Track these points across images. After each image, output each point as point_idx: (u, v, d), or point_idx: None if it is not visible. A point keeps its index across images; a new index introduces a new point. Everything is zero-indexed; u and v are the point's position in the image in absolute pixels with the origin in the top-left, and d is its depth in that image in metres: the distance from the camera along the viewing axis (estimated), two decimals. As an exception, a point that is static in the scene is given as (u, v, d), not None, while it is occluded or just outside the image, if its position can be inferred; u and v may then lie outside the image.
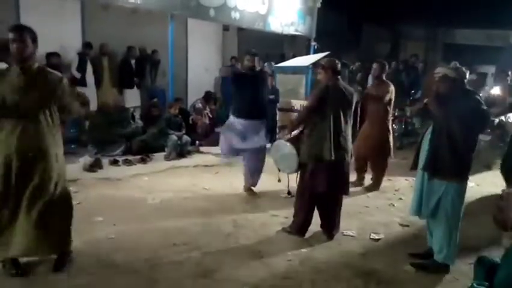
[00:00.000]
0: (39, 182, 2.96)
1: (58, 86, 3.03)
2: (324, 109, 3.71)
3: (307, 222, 4.01)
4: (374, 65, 5.62)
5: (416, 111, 3.80)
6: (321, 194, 3.86)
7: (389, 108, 5.52)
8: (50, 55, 6.61)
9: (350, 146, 3.92)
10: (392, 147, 5.62)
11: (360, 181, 5.74)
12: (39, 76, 2.98)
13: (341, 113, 3.76)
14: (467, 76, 3.42)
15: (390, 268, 3.51)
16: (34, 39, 2.95)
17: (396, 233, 4.28)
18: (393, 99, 5.53)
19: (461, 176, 3.30)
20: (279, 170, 4.34)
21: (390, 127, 5.64)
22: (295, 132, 4.07)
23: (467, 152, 3.27)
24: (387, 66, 5.73)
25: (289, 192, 4.94)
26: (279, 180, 4.72)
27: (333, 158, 3.71)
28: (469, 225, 4.37)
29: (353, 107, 3.92)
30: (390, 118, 5.71)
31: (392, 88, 5.51)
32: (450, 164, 3.24)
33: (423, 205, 3.45)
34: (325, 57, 5.46)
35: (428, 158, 3.36)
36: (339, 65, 3.87)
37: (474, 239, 4.14)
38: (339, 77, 3.87)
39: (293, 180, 4.21)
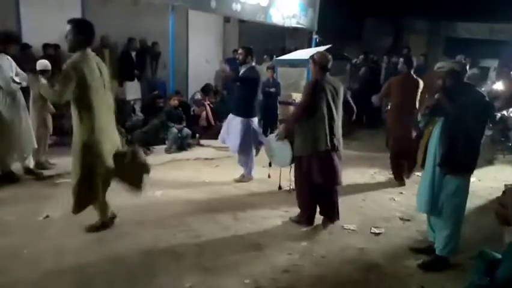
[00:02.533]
0: None
1: None
2: (315, 103, 3.81)
3: (314, 211, 4.13)
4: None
5: (429, 108, 3.36)
6: (318, 185, 3.93)
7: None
8: (46, 46, 6.56)
9: (341, 136, 4.00)
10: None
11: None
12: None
13: (332, 105, 3.85)
14: (468, 70, 3.42)
15: (391, 262, 3.51)
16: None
17: (397, 227, 4.27)
18: None
19: (470, 169, 3.28)
20: (270, 165, 4.44)
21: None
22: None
23: (478, 145, 3.25)
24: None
25: (280, 188, 5.07)
26: (269, 176, 4.98)
27: (328, 147, 3.82)
28: (471, 220, 4.37)
29: (341, 100, 4.00)
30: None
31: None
32: (466, 158, 3.21)
33: (437, 202, 3.35)
34: (327, 50, 5.40)
35: (445, 155, 3.22)
36: (330, 62, 3.92)
37: (475, 233, 4.14)
38: (327, 73, 3.94)
39: (284, 175, 4.27)
